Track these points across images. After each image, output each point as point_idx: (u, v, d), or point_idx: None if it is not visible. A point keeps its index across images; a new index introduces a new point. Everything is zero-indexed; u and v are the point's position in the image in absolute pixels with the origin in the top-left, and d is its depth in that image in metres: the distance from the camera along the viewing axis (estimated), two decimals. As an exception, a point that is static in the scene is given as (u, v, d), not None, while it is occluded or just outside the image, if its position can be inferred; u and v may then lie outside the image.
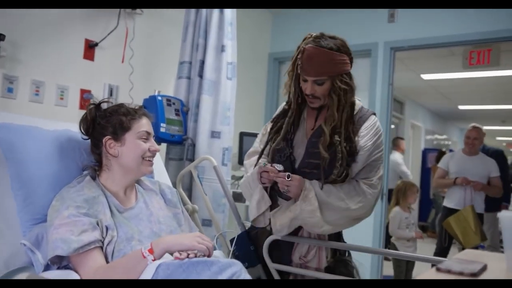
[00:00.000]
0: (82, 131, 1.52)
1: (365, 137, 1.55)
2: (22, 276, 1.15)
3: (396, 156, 6.11)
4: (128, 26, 2.64)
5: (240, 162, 3.09)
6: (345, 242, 1.75)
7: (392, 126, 7.55)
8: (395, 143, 6.27)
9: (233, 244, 1.86)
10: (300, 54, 1.50)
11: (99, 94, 2.58)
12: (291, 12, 3.97)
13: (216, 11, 2.45)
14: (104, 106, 1.57)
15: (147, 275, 1.19)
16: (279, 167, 1.56)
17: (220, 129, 2.43)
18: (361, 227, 3.32)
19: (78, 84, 2.47)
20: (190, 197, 2.39)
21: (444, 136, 10.50)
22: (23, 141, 1.45)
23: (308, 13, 3.86)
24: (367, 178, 1.56)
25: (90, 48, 2.52)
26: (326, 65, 1.46)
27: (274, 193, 1.67)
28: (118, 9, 2.62)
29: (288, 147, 1.62)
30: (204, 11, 2.49)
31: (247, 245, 1.84)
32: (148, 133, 1.52)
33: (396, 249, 3.71)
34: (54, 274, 1.24)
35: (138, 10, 2.71)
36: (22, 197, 1.39)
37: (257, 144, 1.79)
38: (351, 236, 1.92)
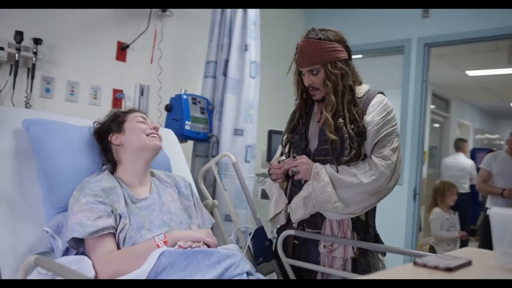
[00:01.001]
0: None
1: (371, 114, 1.56)
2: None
3: (464, 158, 5.93)
4: (156, 28, 2.75)
5: (269, 159, 3.14)
6: (377, 234, 1.70)
7: (437, 125, 7.32)
8: (459, 145, 6.11)
9: (250, 239, 1.90)
10: (296, 50, 1.60)
11: (130, 93, 2.71)
12: (324, 10, 3.96)
13: (240, 11, 2.51)
14: None
15: (151, 261, 1.27)
16: (282, 158, 1.63)
17: (243, 126, 2.49)
18: (392, 227, 3.27)
19: (111, 84, 2.60)
20: (214, 192, 2.47)
21: (496, 136, 9.98)
22: (49, 136, 1.57)
23: (340, 10, 3.83)
24: (380, 153, 1.55)
25: (122, 50, 2.65)
26: (315, 54, 1.53)
27: (295, 189, 1.68)
28: (149, 12, 2.74)
29: (303, 140, 1.67)
30: (228, 11, 2.55)
31: (263, 240, 1.88)
32: (144, 118, 1.65)
33: (435, 252, 3.60)
34: (69, 260, 1.33)
35: (168, 12, 2.82)
36: (46, 187, 1.51)
37: (279, 153, 1.84)
38: (381, 235, 1.86)
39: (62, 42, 2.37)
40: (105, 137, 1.62)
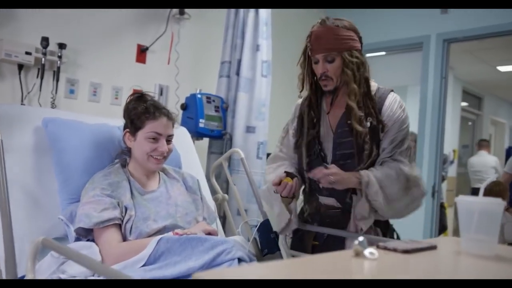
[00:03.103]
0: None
1: (387, 112, 1.54)
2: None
3: (487, 155, 6.06)
4: (173, 31, 2.88)
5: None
6: (394, 230, 1.73)
7: (469, 123, 7.13)
8: (481, 144, 6.20)
9: (255, 231, 1.98)
10: (309, 38, 1.56)
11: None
12: (343, 8, 3.97)
13: (252, 12, 2.60)
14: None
15: (150, 247, 1.37)
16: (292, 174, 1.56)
17: (255, 124, 2.57)
18: (411, 225, 3.25)
19: (131, 85, 2.75)
20: (227, 187, 2.56)
21: (536, 134, 9.57)
22: (65, 133, 1.70)
23: (359, 9, 3.84)
24: (401, 162, 1.52)
25: (142, 52, 2.80)
26: (333, 41, 1.50)
27: (314, 192, 1.68)
28: (167, 15, 2.87)
29: (316, 143, 1.62)
30: (241, 12, 2.65)
31: (268, 233, 1.95)
32: (159, 134, 1.60)
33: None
34: (79, 245, 1.46)
35: (186, 15, 2.94)
36: (61, 179, 1.65)
37: (278, 149, 1.79)
38: (399, 233, 1.93)
39: (85, 46, 2.53)
40: (125, 125, 1.65)
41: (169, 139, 1.66)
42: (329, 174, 1.45)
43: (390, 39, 3.66)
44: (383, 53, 3.99)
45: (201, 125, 2.53)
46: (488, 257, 0.90)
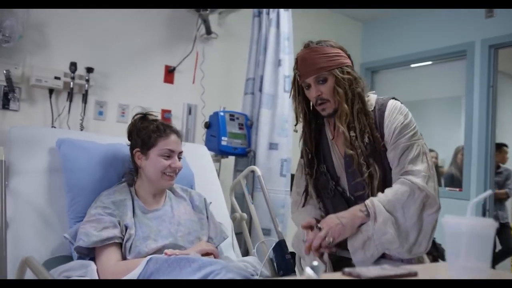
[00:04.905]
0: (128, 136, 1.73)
1: (388, 124, 1.43)
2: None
3: None
4: (198, 50, 2.92)
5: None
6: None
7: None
8: None
9: (271, 251, 1.90)
10: (296, 65, 1.50)
11: (178, 113, 2.89)
12: (380, 20, 3.83)
13: (273, 28, 2.56)
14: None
15: (140, 267, 1.34)
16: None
17: (278, 140, 2.50)
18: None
19: (159, 105, 2.80)
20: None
21: None
22: (75, 153, 1.74)
23: (396, 18, 3.69)
24: (407, 171, 1.36)
25: (169, 73, 2.85)
26: (321, 60, 1.42)
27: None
28: (194, 35, 2.91)
29: (328, 179, 1.53)
30: (263, 28, 2.62)
31: (283, 253, 1.87)
32: (172, 151, 1.63)
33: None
34: (78, 263, 1.47)
35: (213, 34, 2.97)
36: (70, 198, 1.68)
37: (296, 193, 1.69)
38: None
39: (113, 69, 2.63)
40: (132, 145, 1.67)
41: (179, 156, 1.68)
42: (323, 237, 1.34)
43: (433, 48, 3.46)
44: (430, 62, 3.78)
45: (223, 143, 2.51)
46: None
